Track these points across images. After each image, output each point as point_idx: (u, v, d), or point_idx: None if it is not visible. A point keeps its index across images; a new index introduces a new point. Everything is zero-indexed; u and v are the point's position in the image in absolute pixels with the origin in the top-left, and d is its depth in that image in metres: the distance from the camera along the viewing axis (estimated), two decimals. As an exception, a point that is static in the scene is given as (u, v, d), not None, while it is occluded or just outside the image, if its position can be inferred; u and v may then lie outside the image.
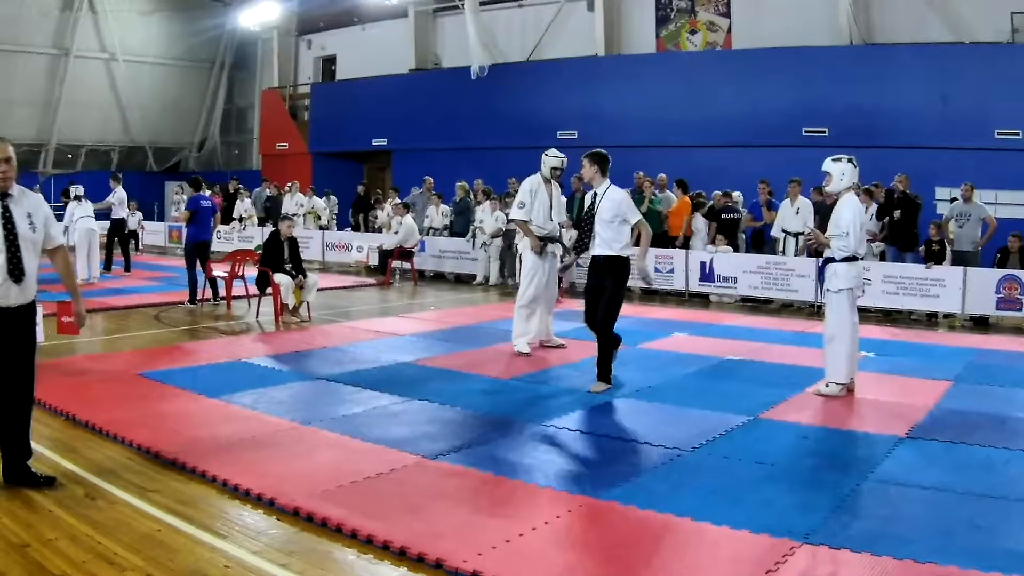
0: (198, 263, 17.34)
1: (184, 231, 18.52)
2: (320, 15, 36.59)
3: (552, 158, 13.06)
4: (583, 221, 11.29)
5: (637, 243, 11.13)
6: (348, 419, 8.97)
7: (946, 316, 18.29)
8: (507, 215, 20.77)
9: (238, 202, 29.31)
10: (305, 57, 38.58)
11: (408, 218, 23.09)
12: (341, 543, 5.95)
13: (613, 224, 10.78)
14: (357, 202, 28.63)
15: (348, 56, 36.58)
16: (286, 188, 28.77)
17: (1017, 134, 21.76)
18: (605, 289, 10.76)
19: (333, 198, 29.96)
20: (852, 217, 10.45)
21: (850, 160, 10.63)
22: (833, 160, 10.71)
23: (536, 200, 12.86)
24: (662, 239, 20.83)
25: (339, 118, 34.18)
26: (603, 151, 11.30)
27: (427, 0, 33.26)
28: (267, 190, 29.96)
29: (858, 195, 11.68)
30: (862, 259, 10.81)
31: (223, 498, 6.73)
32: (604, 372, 10.91)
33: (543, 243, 12.92)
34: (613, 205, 10.83)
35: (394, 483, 7.02)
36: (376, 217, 26.65)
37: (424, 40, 33.85)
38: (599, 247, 10.88)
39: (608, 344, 10.89)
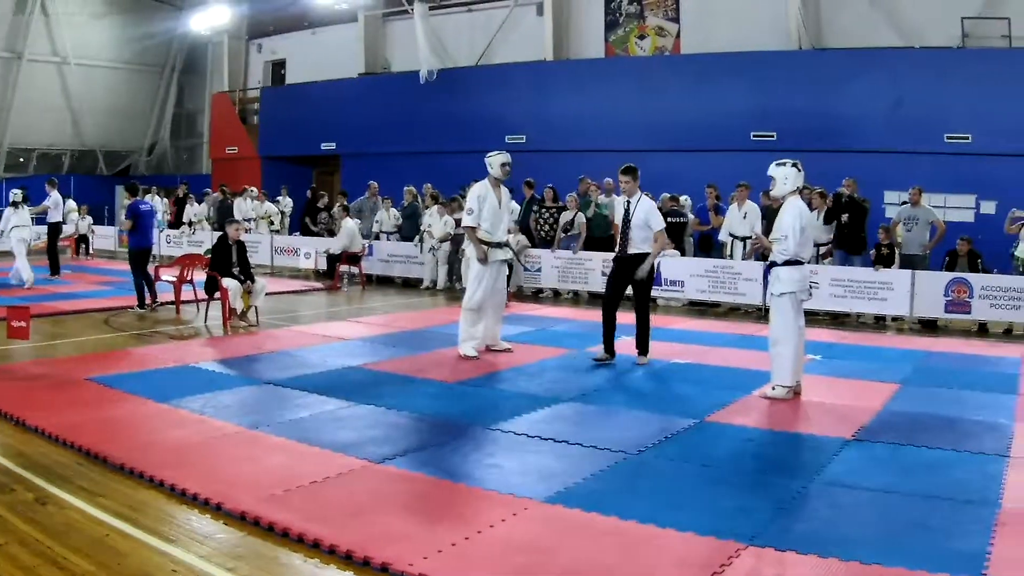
0: (145, 268, 17.34)
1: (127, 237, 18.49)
2: (270, 19, 36.56)
3: (498, 156, 13.19)
4: (623, 226, 12.71)
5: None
6: (295, 423, 8.98)
7: (894, 319, 18.48)
8: (456, 220, 20.93)
9: (188, 206, 29.17)
10: (255, 61, 38.50)
11: (348, 222, 23.09)
12: (288, 547, 5.98)
13: (643, 228, 12.55)
14: (306, 205, 28.50)
15: (298, 60, 36.57)
16: (243, 192, 28.59)
17: (967, 138, 22.08)
18: (637, 282, 12.68)
19: (288, 199, 29.80)
20: (792, 221, 10.50)
21: (794, 164, 10.69)
22: (777, 164, 10.80)
23: (485, 206, 12.97)
24: (609, 243, 20.95)
25: (289, 122, 34.15)
26: (635, 165, 12.93)
27: (377, 4, 33.25)
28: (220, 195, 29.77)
29: (809, 199, 11.89)
30: (807, 263, 10.85)
31: (171, 503, 6.74)
32: (645, 347, 12.93)
33: (490, 248, 13.00)
34: (644, 212, 12.57)
35: (340, 487, 7.04)
36: (325, 221, 26.59)
37: (374, 44, 33.92)
38: (633, 246, 12.64)
39: (646, 321, 12.90)
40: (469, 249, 13.37)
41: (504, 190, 13.33)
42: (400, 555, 5.72)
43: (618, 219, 12.98)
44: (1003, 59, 22.27)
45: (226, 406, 9.67)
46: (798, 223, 10.49)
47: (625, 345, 13.04)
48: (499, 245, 13.18)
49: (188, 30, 38.97)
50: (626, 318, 13.01)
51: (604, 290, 13.57)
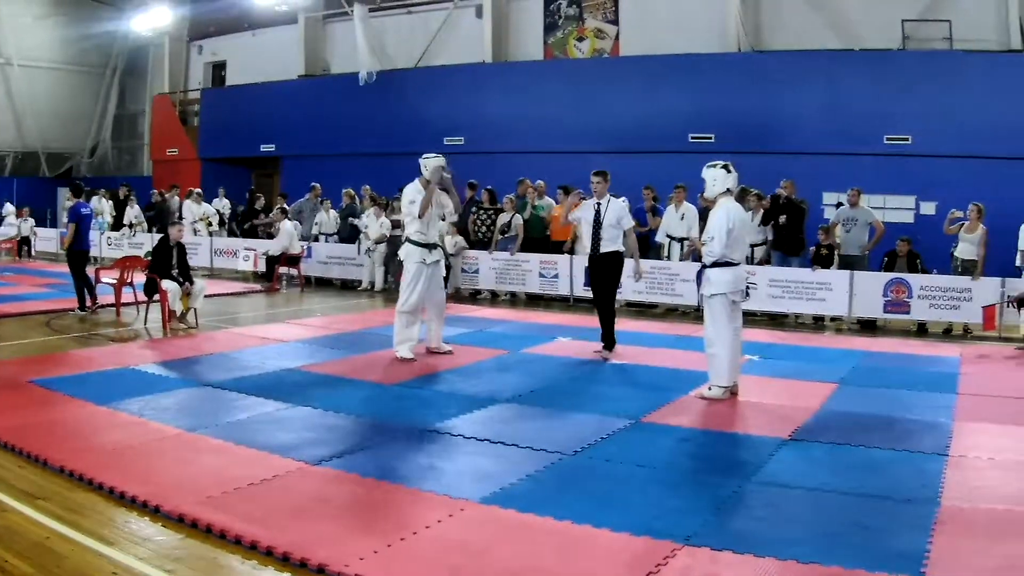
0: (84, 270, 17.35)
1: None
2: (211, 21, 36.34)
3: (434, 159, 13.25)
4: (594, 227, 13.40)
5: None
6: (233, 425, 9.03)
7: (833, 319, 18.67)
8: (392, 221, 21.03)
9: (128, 208, 28.99)
10: (196, 63, 38.20)
11: (286, 223, 23.07)
12: (226, 549, 6.03)
13: (615, 227, 13.27)
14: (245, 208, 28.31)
15: (238, 62, 36.37)
16: (189, 194, 28.30)
17: (907, 140, 22.42)
18: (609, 277, 13.41)
19: (226, 200, 29.54)
20: (718, 223, 10.65)
21: (725, 166, 10.83)
22: (708, 166, 10.95)
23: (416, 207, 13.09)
24: (546, 244, 21.17)
25: (229, 124, 34.01)
26: (606, 169, 13.63)
27: (317, 6, 33.15)
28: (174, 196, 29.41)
29: (745, 200, 12.11)
30: (739, 264, 10.91)
31: (111, 505, 6.79)
32: (610, 341, 13.56)
33: (423, 249, 13.12)
34: (614, 212, 13.30)
35: (278, 489, 7.10)
36: (261, 223, 26.52)
37: (314, 46, 33.82)
38: (604, 246, 13.32)
39: (610, 317, 13.59)
40: (403, 251, 13.42)
41: (439, 192, 13.35)
42: (337, 556, 5.78)
43: (587, 221, 13.54)
44: (944, 61, 22.59)
45: (165, 408, 9.69)
46: (725, 225, 10.60)
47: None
48: (431, 246, 13.24)
49: (130, 31, 38.56)
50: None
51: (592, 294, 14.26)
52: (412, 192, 13.21)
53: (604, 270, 13.43)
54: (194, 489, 6.98)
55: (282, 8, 32.53)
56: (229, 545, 6.09)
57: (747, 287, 11.10)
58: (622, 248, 13.38)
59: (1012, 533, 6.43)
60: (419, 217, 13.05)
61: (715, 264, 10.78)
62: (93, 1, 38.63)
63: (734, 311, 10.88)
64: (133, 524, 6.46)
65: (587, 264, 13.78)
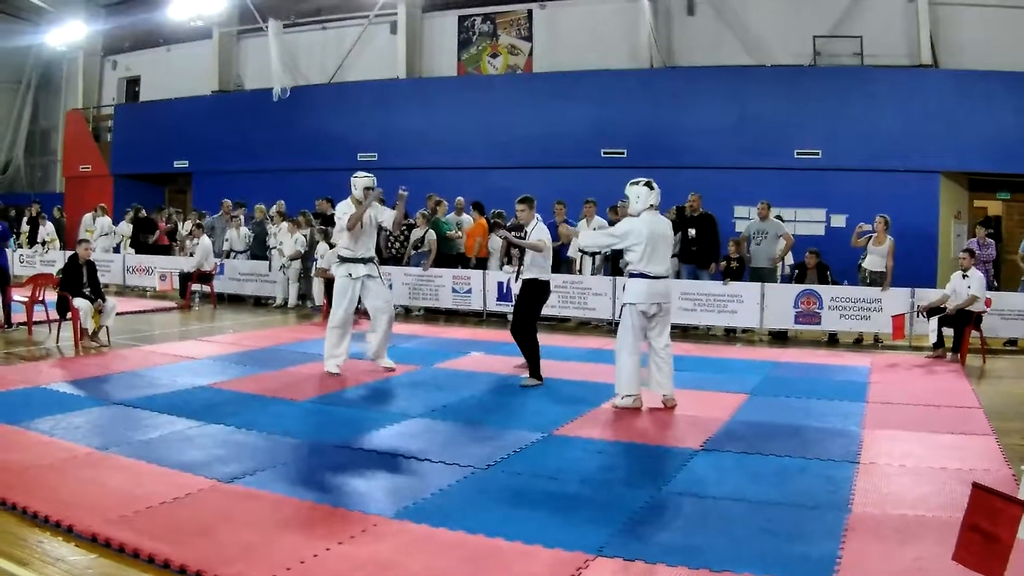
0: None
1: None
2: (126, 35, 35.85)
3: (363, 178, 13.42)
4: (521, 252, 13.22)
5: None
6: (144, 444, 8.95)
7: (745, 331, 18.86)
8: (305, 236, 21.01)
9: (40, 226, 28.68)
10: (110, 78, 37.64)
11: (204, 239, 22.84)
12: (137, 568, 5.98)
13: (536, 254, 12.88)
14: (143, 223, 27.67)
15: (152, 77, 35.83)
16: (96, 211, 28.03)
17: (817, 154, 22.74)
18: (526, 304, 13.00)
19: (123, 224, 29.09)
20: (624, 225, 11.03)
21: (648, 183, 11.02)
22: (631, 184, 11.14)
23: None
24: (459, 260, 21.21)
25: (141, 140, 33.52)
26: (532, 196, 13.50)
27: (231, 21, 32.91)
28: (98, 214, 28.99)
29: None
30: (655, 278, 10.94)
31: (22, 525, 6.72)
32: (535, 369, 12.88)
33: (351, 264, 13.18)
34: (537, 238, 12.85)
35: (189, 507, 7.05)
36: (177, 239, 26.29)
37: (228, 62, 33.54)
38: (526, 272, 12.96)
39: (530, 346, 12.89)
40: (334, 267, 13.57)
41: (375, 207, 13.51)
42: (248, 573, 5.77)
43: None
44: (854, 76, 22.98)
45: (76, 427, 9.59)
46: (628, 229, 10.96)
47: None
48: (362, 261, 13.27)
49: (44, 46, 37.90)
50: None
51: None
52: (343, 208, 13.31)
53: (523, 296, 13.14)
54: (105, 508, 6.91)
55: (196, 23, 32.15)
56: (141, 564, 6.04)
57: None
58: (544, 278, 13.07)
59: (920, 536, 6.56)
60: (348, 230, 13.07)
61: (631, 275, 10.99)
62: (6, 15, 38.06)
63: (654, 324, 11.05)
64: (46, 544, 6.40)
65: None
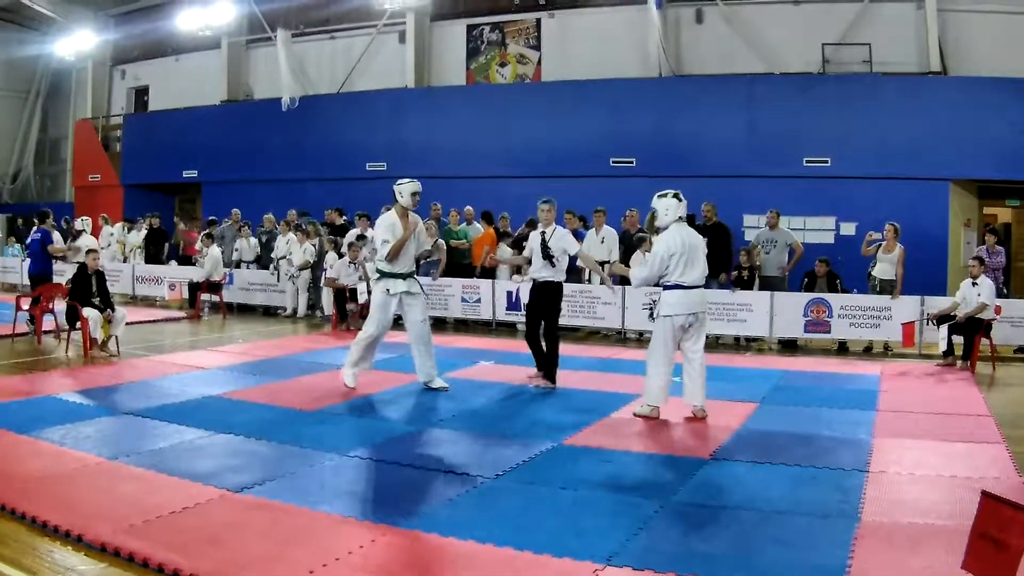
0: None
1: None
2: (135, 45, 36.04)
3: (409, 184, 12.60)
4: (542, 254, 12.99)
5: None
6: (154, 453, 8.93)
7: (754, 340, 18.82)
8: (315, 246, 21.02)
9: (72, 238, 28.68)
10: (119, 87, 37.75)
11: (214, 249, 22.87)
12: None
13: (560, 256, 12.98)
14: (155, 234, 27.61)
15: (161, 87, 35.96)
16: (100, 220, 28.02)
17: (826, 162, 22.76)
18: (550, 307, 13.13)
19: (133, 234, 28.99)
20: (657, 249, 10.87)
21: (675, 195, 10.94)
22: (659, 196, 11.06)
23: (396, 234, 12.45)
24: (467, 269, 21.22)
25: (150, 150, 33.63)
26: (553, 199, 13.31)
27: (240, 31, 33.04)
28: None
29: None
30: (690, 288, 10.86)
31: (32, 534, 6.70)
32: (551, 373, 13.15)
33: (392, 279, 12.60)
34: (559, 240, 12.94)
35: (199, 516, 7.03)
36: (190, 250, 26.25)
37: (236, 71, 33.63)
38: (536, 274, 13.13)
39: (554, 348, 13.22)
40: (372, 281, 13.42)
41: (414, 217, 12.77)
42: (259, 583, 5.73)
43: (532, 247, 13.27)
44: (863, 84, 23.04)
45: (86, 437, 9.57)
46: (664, 251, 10.76)
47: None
48: (401, 276, 12.65)
49: (53, 55, 37.96)
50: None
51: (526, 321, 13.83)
52: (386, 221, 12.57)
53: (541, 299, 13.14)
54: (116, 518, 6.89)
55: (205, 33, 32.20)
56: (151, 573, 6.01)
57: (651, 307, 11.16)
58: (560, 279, 13.16)
59: (930, 545, 6.51)
60: (389, 259, 12.49)
61: (666, 287, 10.92)
62: (16, 25, 38.14)
63: (690, 334, 11.00)
64: (56, 554, 6.38)
65: (531, 289, 13.52)
